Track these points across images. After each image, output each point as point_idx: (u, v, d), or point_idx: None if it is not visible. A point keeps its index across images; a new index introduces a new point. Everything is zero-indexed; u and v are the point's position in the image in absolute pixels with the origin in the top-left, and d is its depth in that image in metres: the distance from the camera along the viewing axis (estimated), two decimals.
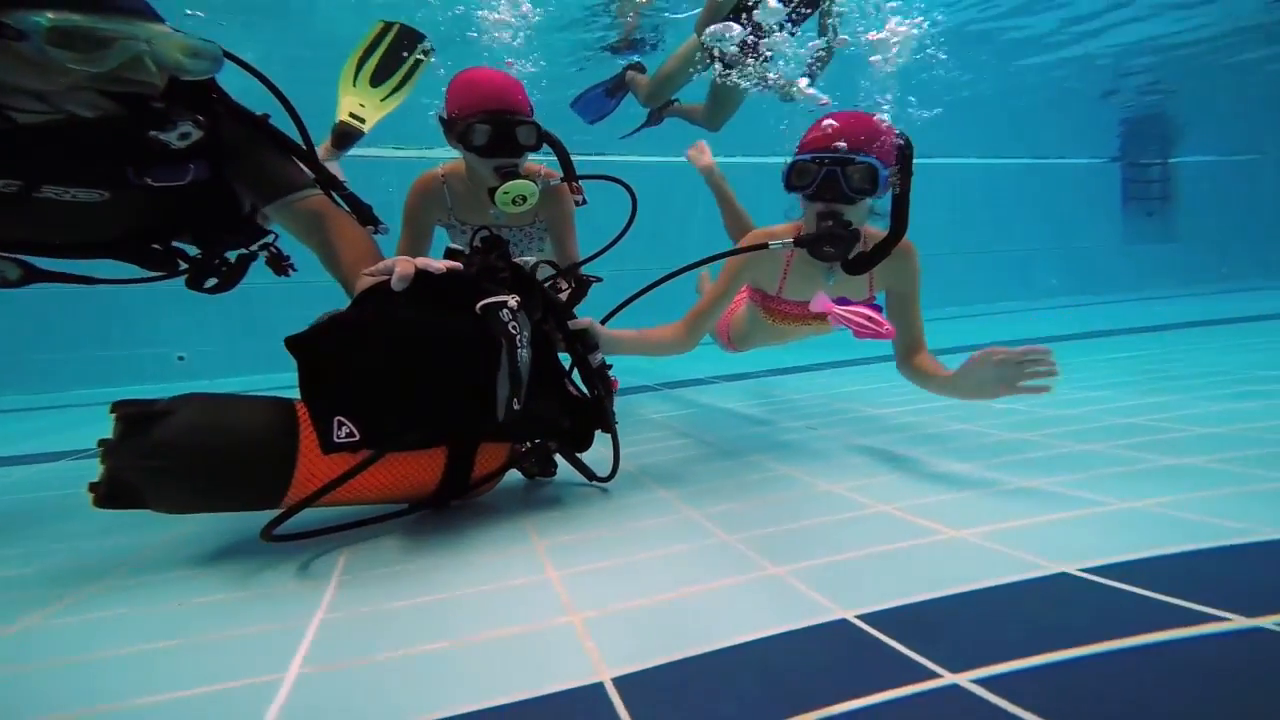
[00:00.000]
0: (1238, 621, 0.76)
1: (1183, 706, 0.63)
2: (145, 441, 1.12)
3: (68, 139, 1.24)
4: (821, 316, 1.79)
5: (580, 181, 2.25)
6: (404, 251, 2.24)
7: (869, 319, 1.64)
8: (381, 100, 2.84)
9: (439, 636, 0.89)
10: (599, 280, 1.91)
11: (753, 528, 1.24)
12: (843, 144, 1.58)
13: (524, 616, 0.94)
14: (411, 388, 1.21)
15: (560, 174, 2.23)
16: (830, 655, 0.78)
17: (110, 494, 1.13)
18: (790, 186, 1.67)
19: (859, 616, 0.86)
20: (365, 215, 1.65)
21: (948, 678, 0.70)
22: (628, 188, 2.34)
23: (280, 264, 1.74)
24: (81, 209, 1.37)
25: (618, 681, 0.76)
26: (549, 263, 1.65)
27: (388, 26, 2.86)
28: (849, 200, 1.60)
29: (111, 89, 1.18)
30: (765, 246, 1.72)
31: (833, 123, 1.62)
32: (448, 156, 2.27)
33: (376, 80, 2.83)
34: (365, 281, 1.24)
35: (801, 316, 1.97)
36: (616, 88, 4.26)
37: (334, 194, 1.58)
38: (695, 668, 0.78)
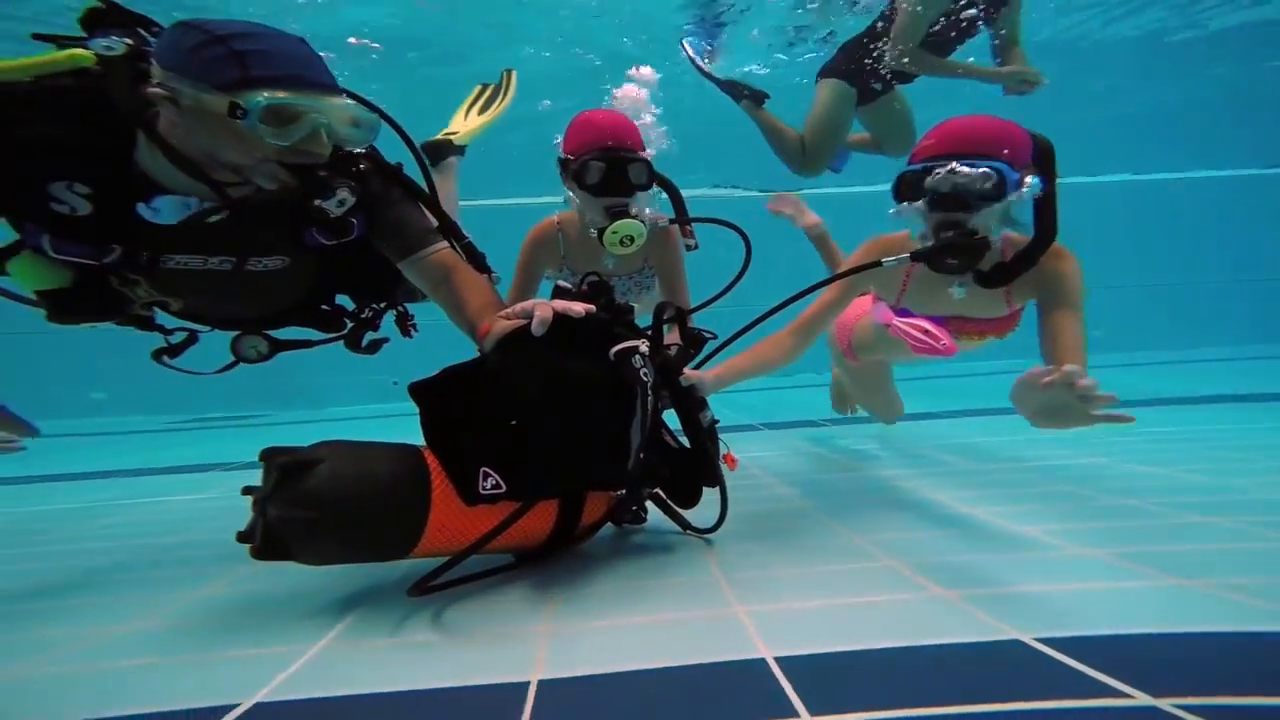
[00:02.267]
0: (1139, 698, 0.71)
1: None
2: (298, 491, 1.06)
3: (257, 212, 1.30)
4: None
5: (693, 225, 2.20)
6: (515, 298, 2.25)
7: (925, 333, 1.52)
8: (492, 114, 3.00)
9: (431, 632, 1.08)
10: (713, 337, 1.80)
11: (749, 569, 1.29)
12: (961, 149, 1.45)
13: (502, 623, 1.09)
14: (554, 436, 1.17)
15: (668, 217, 2.19)
16: (726, 688, 0.84)
17: (266, 546, 1.08)
18: (902, 198, 1.54)
19: (777, 659, 0.91)
20: (480, 264, 1.65)
21: (804, 719, 0.74)
22: (741, 232, 2.20)
23: (405, 323, 1.79)
24: (272, 277, 1.46)
25: (542, 683, 0.89)
26: (674, 307, 1.60)
27: (484, 88, 3.12)
28: (971, 208, 1.46)
29: (289, 160, 1.22)
30: (878, 264, 1.58)
31: (948, 128, 1.50)
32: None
33: (482, 111, 3.04)
34: (501, 325, 1.22)
35: None
36: (734, 96, 3.92)
37: (453, 243, 1.59)
38: (609, 682, 0.88)
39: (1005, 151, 1.43)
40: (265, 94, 1.13)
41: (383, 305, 1.76)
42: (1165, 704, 0.72)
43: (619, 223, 1.90)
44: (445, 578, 1.16)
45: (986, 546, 1.33)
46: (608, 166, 1.91)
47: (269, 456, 1.10)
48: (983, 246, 1.46)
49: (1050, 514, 1.54)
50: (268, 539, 1.07)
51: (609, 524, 1.57)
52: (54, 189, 1.18)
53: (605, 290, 1.37)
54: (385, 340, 1.81)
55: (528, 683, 0.89)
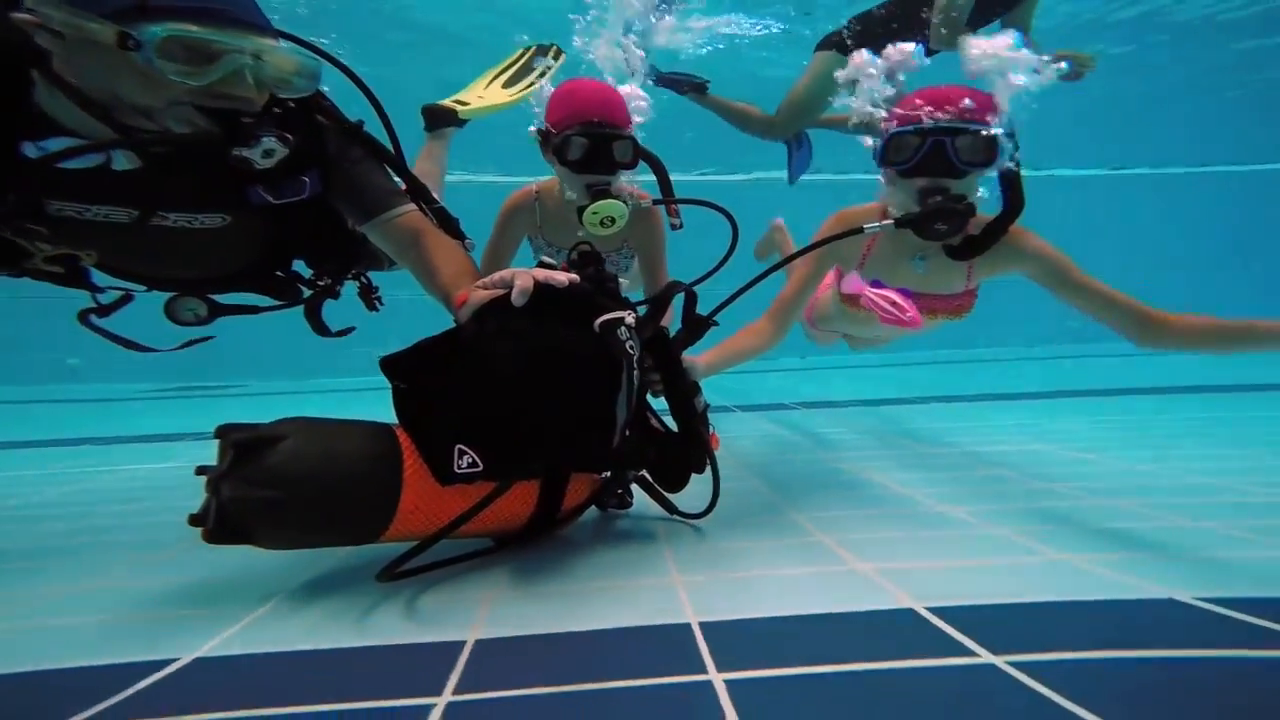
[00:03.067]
0: (984, 657, 0.80)
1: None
2: (258, 469, 0.99)
3: (183, 162, 1.17)
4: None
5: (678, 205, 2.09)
6: (487, 263, 2.21)
7: (893, 304, 1.52)
8: (510, 96, 2.82)
9: (379, 596, 1.12)
10: (715, 325, 1.67)
11: (695, 542, 1.35)
12: (948, 112, 1.43)
13: (451, 589, 1.13)
14: (534, 412, 1.10)
15: (651, 197, 2.10)
16: (648, 648, 0.90)
17: (220, 528, 1.00)
18: (888, 163, 1.51)
19: (700, 623, 0.97)
20: (453, 229, 1.53)
21: (710, 675, 0.80)
22: (728, 215, 2.09)
23: (370, 296, 1.70)
24: (209, 236, 1.32)
25: (480, 641, 0.94)
26: (684, 286, 1.54)
27: (525, 51, 2.98)
28: (957, 174, 1.44)
29: (208, 104, 1.09)
30: (860, 231, 1.54)
31: (933, 93, 1.47)
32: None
33: (508, 85, 2.88)
34: (479, 295, 1.14)
35: None
36: (678, 90, 3.81)
37: (422, 206, 1.49)
38: (542, 642, 0.93)
39: (991, 118, 1.43)
40: (169, 25, 0.99)
41: (339, 272, 1.61)
42: (1000, 660, 0.81)
43: (600, 203, 1.81)
44: (419, 562, 1.10)
45: (911, 524, 1.41)
46: (590, 142, 1.80)
47: (225, 433, 1.02)
48: (970, 213, 1.46)
49: (976, 495, 1.63)
50: (222, 521, 1.00)
51: (593, 509, 1.51)
52: None
53: (595, 259, 1.30)
54: (352, 329, 1.72)
55: (464, 641, 0.94)
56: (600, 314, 1.16)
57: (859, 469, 2.00)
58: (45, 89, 1.07)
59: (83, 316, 1.45)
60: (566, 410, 1.12)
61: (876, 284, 1.60)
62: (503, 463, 1.10)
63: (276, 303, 1.60)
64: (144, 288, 1.47)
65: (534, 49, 3.02)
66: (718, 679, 0.80)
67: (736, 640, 0.90)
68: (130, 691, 0.82)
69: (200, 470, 1.03)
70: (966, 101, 1.44)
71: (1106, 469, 1.89)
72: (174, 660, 0.90)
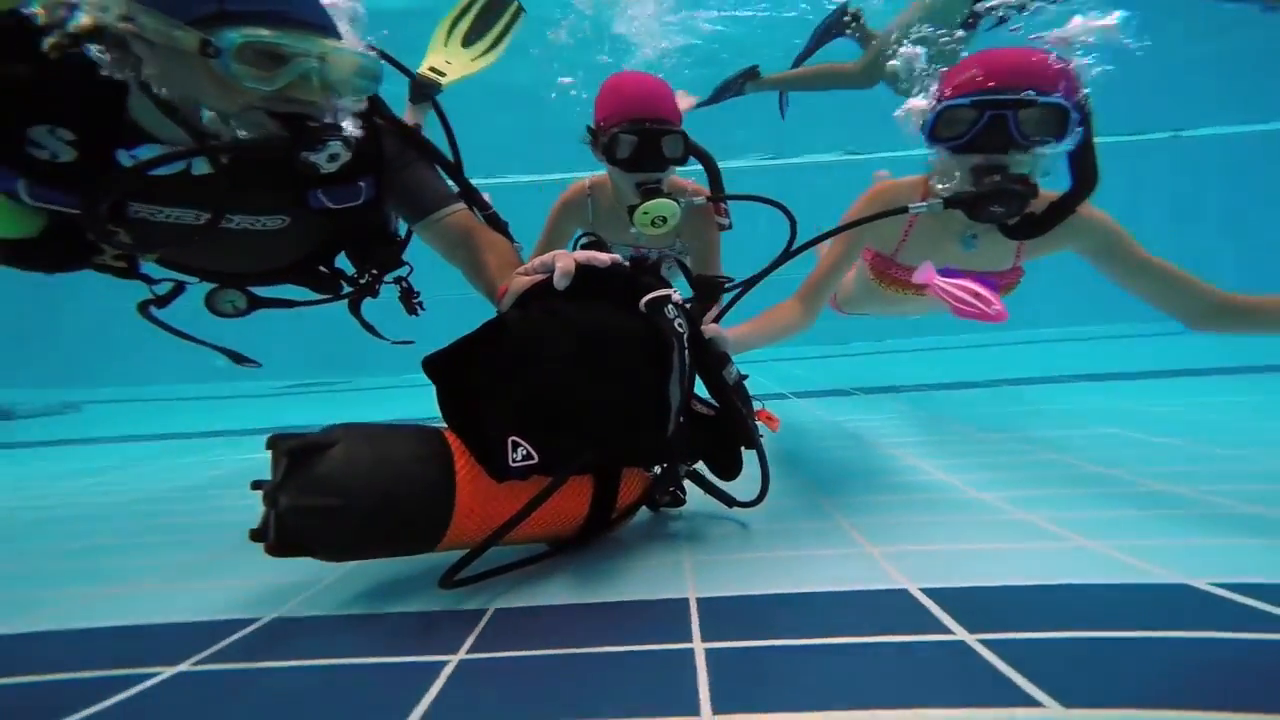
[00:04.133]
0: (959, 635, 0.80)
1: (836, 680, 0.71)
2: (311, 477, 0.95)
3: (249, 167, 1.16)
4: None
5: (729, 204, 2.02)
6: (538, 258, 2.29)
7: (975, 295, 1.36)
8: (472, 60, 2.69)
9: (423, 570, 1.25)
10: (730, 281, 1.62)
11: (712, 526, 1.38)
12: (1019, 83, 1.28)
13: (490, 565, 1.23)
14: (585, 397, 1.04)
15: (706, 193, 2.03)
16: (646, 620, 0.95)
17: (280, 541, 0.95)
18: (938, 138, 1.37)
19: (698, 599, 1.01)
20: (503, 233, 1.53)
21: (693, 644, 0.84)
22: (785, 210, 1.98)
23: (410, 300, 1.65)
24: (269, 236, 1.33)
25: (499, 610, 1.03)
26: (679, 262, 1.50)
27: None
28: (1019, 149, 1.30)
29: (279, 109, 1.10)
30: (904, 210, 1.42)
31: (992, 58, 1.31)
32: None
33: (468, 42, 2.72)
34: (520, 281, 1.10)
35: (917, 286, 1.66)
36: (737, 92, 3.64)
37: (475, 211, 1.49)
38: (554, 611, 1.01)
39: (1062, 86, 1.28)
40: (244, 31, 1.01)
41: (379, 272, 1.60)
42: (972, 639, 0.80)
43: (651, 203, 1.75)
44: (480, 568, 1.08)
45: (937, 510, 1.37)
46: (639, 140, 1.74)
47: (276, 443, 0.97)
48: (1032, 193, 1.31)
49: (1020, 481, 1.55)
50: (282, 532, 0.95)
51: (645, 511, 1.42)
52: (34, 133, 1.09)
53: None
54: (411, 342, 1.74)
55: (486, 610, 1.03)
56: (644, 294, 1.11)
57: (905, 455, 1.93)
58: (137, 98, 1.11)
59: (143, 309, 1.48)
60: (617, 394, 1.06)
61: (949, 272, 1.46)
62: (556, 452, 1.04)
63: (315, 297, 1.62)
64: (195, 279, 1.52)
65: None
66: (699, 648, 0.84)
67: (727, 614, 0.94)
68: (228, 641, 0.96)
69: (256, 485, 0.98)
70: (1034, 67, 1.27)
71: (1182, 454, 1.73)
72: (260, 619, 1.05)
